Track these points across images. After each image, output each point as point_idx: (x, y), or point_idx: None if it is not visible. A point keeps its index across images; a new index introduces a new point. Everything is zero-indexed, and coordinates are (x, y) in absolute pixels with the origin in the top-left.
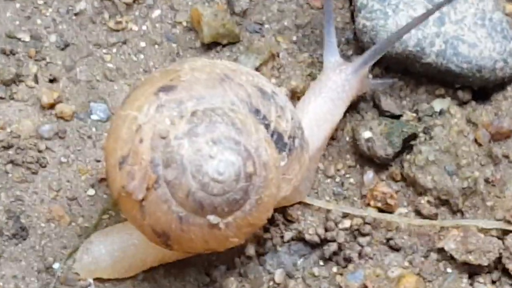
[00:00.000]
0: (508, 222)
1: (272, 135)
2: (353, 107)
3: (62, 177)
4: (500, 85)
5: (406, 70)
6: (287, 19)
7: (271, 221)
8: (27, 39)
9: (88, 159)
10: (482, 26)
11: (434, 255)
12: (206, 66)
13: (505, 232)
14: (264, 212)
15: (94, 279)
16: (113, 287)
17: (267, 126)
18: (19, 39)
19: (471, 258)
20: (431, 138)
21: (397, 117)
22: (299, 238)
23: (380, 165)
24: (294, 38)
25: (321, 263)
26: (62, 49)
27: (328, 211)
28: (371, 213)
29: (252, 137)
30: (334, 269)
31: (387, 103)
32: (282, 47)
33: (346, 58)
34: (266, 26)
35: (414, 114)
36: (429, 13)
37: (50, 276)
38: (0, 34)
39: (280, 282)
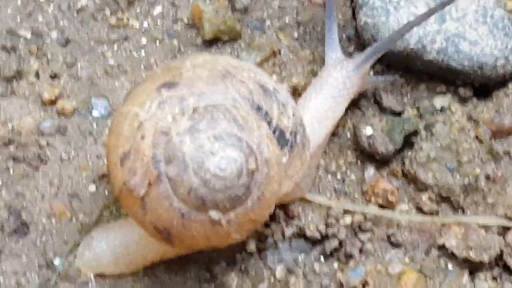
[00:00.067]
0: (509, 218)
1: (274, 132)
2: (354, 104)
3: (63, 173)
4: (501, 82)
5: (407, 67)
6: (288, 15)
7: (272, 218)
8: (29, 35)
9: (89, 155)
10: (484, 23)
11: (435, 252)
12: (208, 62)
13: (506, 229)
14: (266, 208)
15: (95, 275)
16: (114, 283)
17: (269, 123)
18: (20, 36)
19: (472, 255)
20: (432, 135)
21: (398, 114)
22: (300, 234)
23: (381, 161)
24: (296, 35)
25: (322, 259)
26: (63, 46)
27: (329, 207)
28: (372, 210)
29: (254, 134)
30: (335, 265)
31: (388, 100)
32: (283, 44)
33: (348, 55)
34: (267, 22)
35: (415, 111)
36: (431, 12)
37: (51, 272)
38: (1, 31)
39: (281, 278)
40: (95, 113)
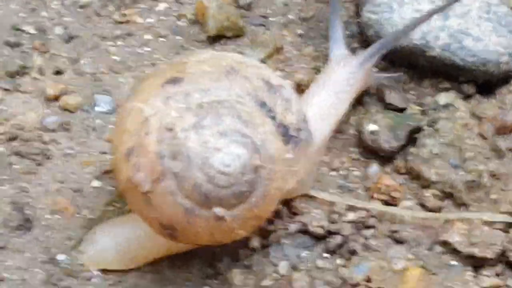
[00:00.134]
0: None
1: (278, 128)
2: (357, 100)
3: (66, 169)
4: (504, 79)
5: (411, 64)
6: (292, 12)
7: (276, 214)
8: (32, 31)
9: (92, 151)
10: (487, 19)
11: (438, 248)
12: (212, 58)
13: (510, 225)
14: (270, 204)
15: (99, 270)
16: (118, 278)
17: (273, 119)
18: (24, 31)
19: (475, 251)
20: (435, 131)
21: (402, 110)
22: (304, 231)
23: (384, 158)
24: (299, 31)
25: (326, 255)
26: (67, 42)
27: (333, 203)
28: (376, 206)
29: (258, 130)
30: (339, 262)
31: (392, 96)
32: (287, 40)
33: (351, 51)
34: (271, 19)
35: (419, 108)
36: (437, 10)
37: (54, 267)
38: (5, 26)
39: (284, 274)
40: (99, 109)
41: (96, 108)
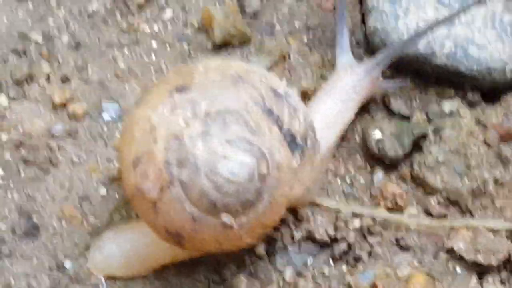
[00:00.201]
0: None
1: (285, 136)
2: (363, 108)
3: (73, 176)
4: (509, 86)
5: (416, 72)
6: (298, 20)
7: (282, 221)
8: (40, 39)
9: (99, 159)
10: (492, 28)
11: (443, 255)
12: (220, 66)
13: None
14: (277, 212)
15: (106, 277)
16: (125, 285)
17: (280, 127)
18: (31, 39)
19: (480, 258)
20: (440, 139)
21: (407, 118)
22: (309, 238)
23: (390, 165)
24: (305, 39)
25: (331, 262)
26: (74, 50)
27: (338, 211)
28: (381, 213)
29: (266, 138)
30: (344, 269)
31: (397, 104)
32: (293, 48)
33: (357, 59)
34: (277, 27)
35: (424, 115)
36: (444, 20)
37: (61, 274)
38: (13, 34)
39: (290, 281)
40: (106, 117)
41: (103, 116)
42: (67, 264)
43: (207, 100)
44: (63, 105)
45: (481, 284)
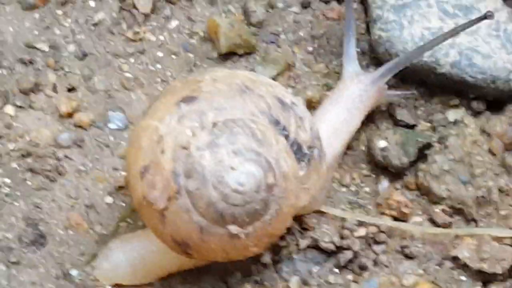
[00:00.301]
0: None
1: (291, 146)
2: (368, 117)
3: (80, 185)
4: None
5: (421, 81)
6: (303, 29)
7: (287, 230)
8: (46, 49)
9: (106, 168)
10: (497, 37)
11: (448, 263)
12: (226, 76)
13: None
14: (283, 222)
15: (112, 286)
16: None
17: (287, 137)
18: (38, 49)
19: (485, 266)
20: (445, 147)
21: (412, 127)
22: (315, 246)
23: (395, 174)
24: (310, 48)
25: (336, 270)
26: (81, 59)
27: (344, 219)
28: (386, 222)
29: (272, 149)
30: (349, 277)
31: (402, 113)
32: (298, 58)
33: (363, 68)
34: (282, 36)
35: (429, 124)
36: (453, 32)
37: (68, 283)
38: (19, 44)
39: None
40: (112, 126)
41: (109, 125)
42: (73, 272)
43: (214, 110)
44: (70, 115)
45: None
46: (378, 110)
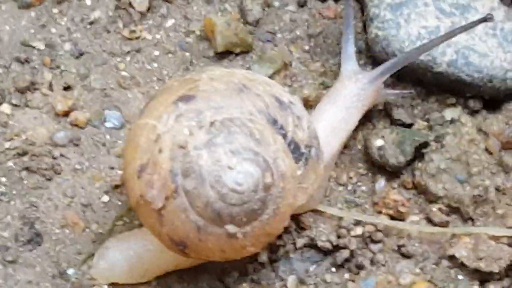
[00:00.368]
0: None
1: (289, 145)
2: (365, 116)
3: (76, 184)
4: (511, 94)
5: (417, 79)
6: (299, 28)
7: (284, 228)
8: (42, 47)
9: (102, 166)
10: (493, 36)
11: (445, 262)
12: (224, 75)
13: None
14: (281, 221)
15: (109, 285)
16: None
17: (284, 136)
18: (34, 47)
19: (482, 265)
20: (442, 146)
21: (409, 125)
22: (312, 245)
23: (391, 173)
24: (307, 47)
25: (333, 269)
26: (77, 58)
27: (340, 218)
28: (383, 221)
29: (270, 148)
30: (346, 276)
31: (399, 112)
32: (295, 56)
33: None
34: (279, 35)
35: (426, 123)
36: (454, 33)
37: (64, 282)
38: (15, 43)
39: None
40: (108, 124)
41: (105, 124)
42: (70, 271)
43: (211, 109)
44: (66, 113)
45: None
46: (375, 109)
